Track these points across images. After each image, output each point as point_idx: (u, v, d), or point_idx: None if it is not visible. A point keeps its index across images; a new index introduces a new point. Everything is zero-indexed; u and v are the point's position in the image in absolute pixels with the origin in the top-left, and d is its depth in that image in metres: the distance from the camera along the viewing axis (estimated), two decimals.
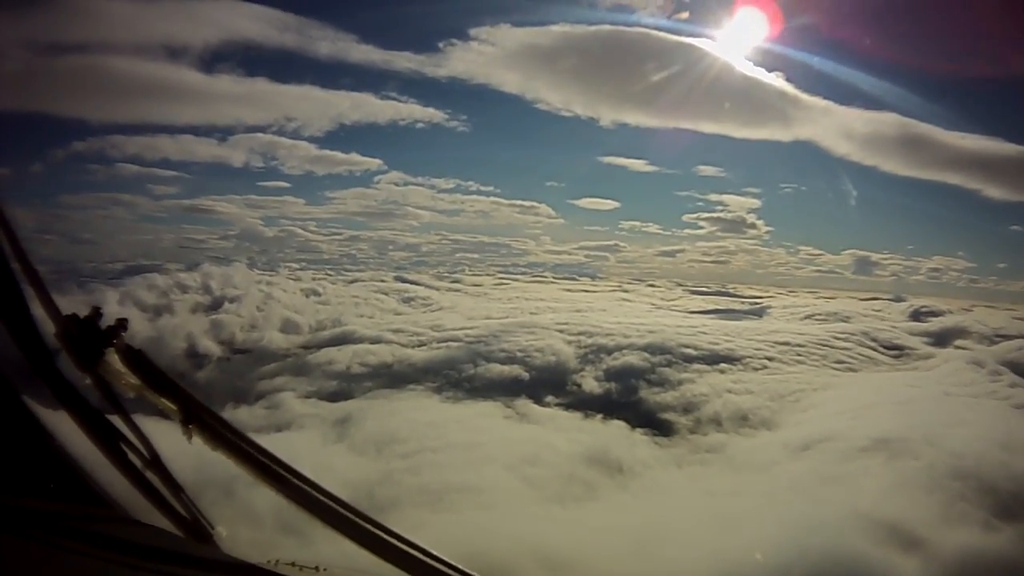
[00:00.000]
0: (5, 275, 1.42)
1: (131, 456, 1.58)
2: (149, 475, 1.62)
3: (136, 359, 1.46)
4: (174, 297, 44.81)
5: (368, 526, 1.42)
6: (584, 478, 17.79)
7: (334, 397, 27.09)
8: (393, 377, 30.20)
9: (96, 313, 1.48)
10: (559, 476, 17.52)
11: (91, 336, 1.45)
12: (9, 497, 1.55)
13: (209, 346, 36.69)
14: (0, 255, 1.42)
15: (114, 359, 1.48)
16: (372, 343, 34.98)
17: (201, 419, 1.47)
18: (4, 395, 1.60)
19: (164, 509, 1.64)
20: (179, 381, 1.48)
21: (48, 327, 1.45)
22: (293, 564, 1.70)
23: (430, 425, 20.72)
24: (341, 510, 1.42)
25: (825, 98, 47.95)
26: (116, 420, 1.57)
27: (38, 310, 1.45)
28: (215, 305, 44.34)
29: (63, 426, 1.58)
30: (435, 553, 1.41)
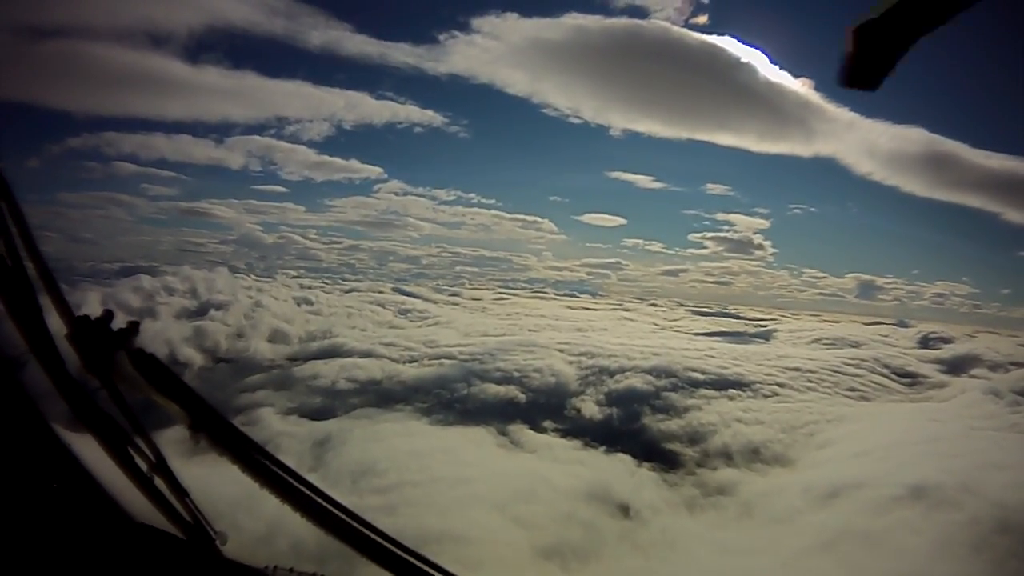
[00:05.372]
0: (17, 274, 1.37)
1: (137, 459, 1.55)
2: (155, 479, 1.58)
3: (146, 363, 1.40)
4: (160, 300, 43.47)
5: (373, 536, 1.38)
6: (584, 520, 16.02)
7: (316, 415, 25.39)
8: (380, 395, 28.50)
9: (107, 315, 1.43)
10: (556, 517, 15.77)
11: (102, 338, 1.41)
12: (13, 497, 1.51)
13: (191, 354, 35.34)
14: (14, 254, 1.36)
15: (124, 362, 1.41)
16: (361, 357, 33.44)
17: (210, 425, 1.40)
18: (10, 394, 1.54)
19: (168, 513, 1.61)
20: (190, 386, 1.37)
21: (59, 328, 1.39)
22: (291, 570, 1.71)
23: (414, 454, 18.95)
24: (348, 519, 1.38)
25: (852, 110, 46.46)
26: (124, 423, 1.50)
27: (49, 310, 1.41)
28: (201, 311, 42.97)
29: (69, 427, 1.50)
30: (438, 563, 1.41)
